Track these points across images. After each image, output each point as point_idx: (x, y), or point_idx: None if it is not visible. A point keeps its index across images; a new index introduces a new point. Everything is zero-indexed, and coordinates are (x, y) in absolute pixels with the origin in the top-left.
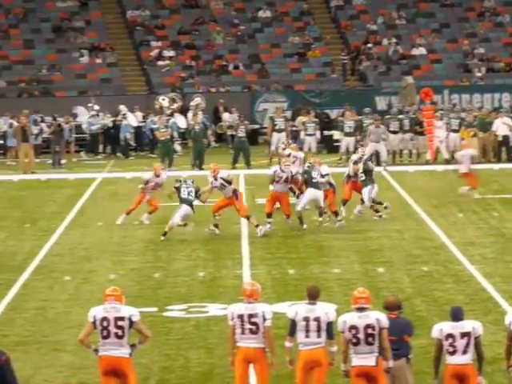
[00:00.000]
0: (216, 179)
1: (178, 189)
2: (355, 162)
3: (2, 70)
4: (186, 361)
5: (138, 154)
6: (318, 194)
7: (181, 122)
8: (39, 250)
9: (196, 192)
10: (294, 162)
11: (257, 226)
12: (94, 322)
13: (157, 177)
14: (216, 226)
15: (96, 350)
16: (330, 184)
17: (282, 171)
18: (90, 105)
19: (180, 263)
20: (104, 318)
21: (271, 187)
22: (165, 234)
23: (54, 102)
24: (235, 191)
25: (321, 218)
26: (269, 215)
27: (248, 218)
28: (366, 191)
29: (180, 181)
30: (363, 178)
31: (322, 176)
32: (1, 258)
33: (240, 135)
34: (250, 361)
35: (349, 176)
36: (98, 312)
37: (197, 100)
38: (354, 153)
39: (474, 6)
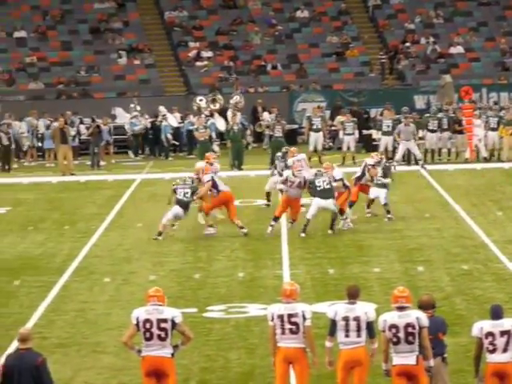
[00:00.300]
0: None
1: (174, 190)
2: (373, 166)
3: (40, 72)
4: (226, 361)
5: (176, 155)
6: (325, 203)
7: (220, 123)
8: (78, 251)
9: (192, 193)
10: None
11: (241, 227)
12: (137, 324)
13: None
14: (211, 225)
15: (139, 351)
16: (345, 186)
17: (295, 176)
18: (132, 105)
19: (220, 264)
20: (147, 320)
21: (281, 186)
22: (160, 233)
23: (93, 104)
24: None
25: (339, 226)
26: (276, 219)
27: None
28: (382, 192)
29: (177, 182)
30: (381, 181)
31: (336, 180)
32: (40, 260)
33: (277, 135)
34: (290, 361)
35: (358, 178)
36: (140, 314)
37: (236, 98)
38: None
39: (511, 5)
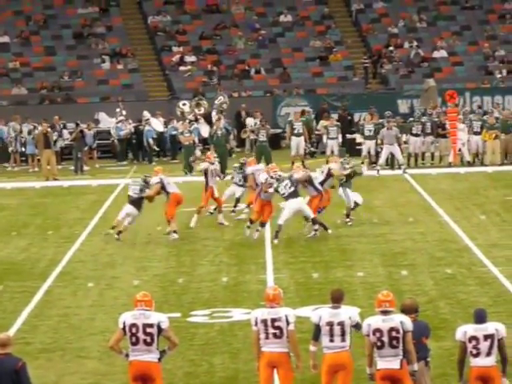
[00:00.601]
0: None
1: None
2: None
3: (23, 77)
4: (211, 366)
5: (160, 160)
6: (296, 204)
7: (204, 129)
8: (62, 256)
9: (141, 190)
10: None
11: (171, 232)
12: (123, 329)
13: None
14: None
15: (127, 355)
16: (317, 190)
17: (272, 178)
18: (117, 110)
19: (203, 268)
20: (133, 325)
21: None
22: (119, 233)
23: (76, 109)
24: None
25: (314, 227)
26: (252, 221)
27: (169, 221)
28: (348, 193)
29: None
30: (344, 180)
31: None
32: (24, 265)
33: (261, 139)
34: (274, 365)
35: (321, 183)
36: (127, 318)
37: (220, 98)
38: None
39: (494, 9)
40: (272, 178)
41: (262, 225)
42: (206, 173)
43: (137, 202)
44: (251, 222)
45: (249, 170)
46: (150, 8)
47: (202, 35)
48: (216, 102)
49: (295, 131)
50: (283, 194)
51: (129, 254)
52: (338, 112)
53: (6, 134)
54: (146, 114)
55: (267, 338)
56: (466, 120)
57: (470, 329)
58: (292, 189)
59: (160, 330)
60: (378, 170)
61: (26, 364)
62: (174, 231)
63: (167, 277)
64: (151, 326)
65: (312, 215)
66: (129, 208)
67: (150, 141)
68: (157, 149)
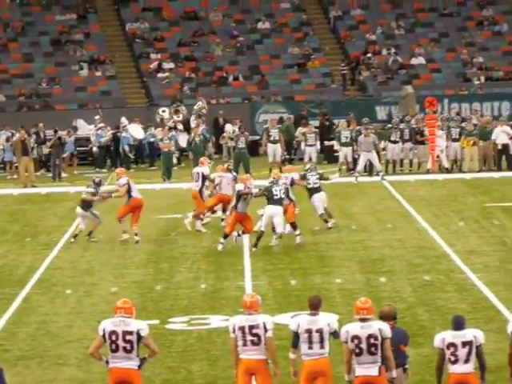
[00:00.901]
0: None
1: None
2: (300, 179)
3: (1, 84)
4: (189, 373)
5: (138, 167)
6: (276, 211)
7: (181, 138)
8: (40, 263)
9: (93, 194)
10: (220, 183)
11: (135, 234)
12: (103, 336)
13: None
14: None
15: (107, 362)
16: (290, 199)
17: (248, 188)
18: (97, 117)
19: (182, 275)
20: (113, 332)
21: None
22: (75, 236)
23: (54, 116)
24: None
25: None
26: (226, 235)
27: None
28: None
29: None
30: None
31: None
32: (2, 272)
33: (240, 146)
34: (252, 372)
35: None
36: (107, 325)
37: (199, 104)
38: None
39: (472, 15)
40: (247, 187)
41: (225, 237)
42: (203, 179)
43: (86, 203)
44: (225, 236)
45: (212, 175)
46: (128, 15)
47: (180, 42)
48: (195, 107)
49: (271, 138)
50: (275, 195)
51: (107, 261)
52: (317, 118)
53: None
54: (124, 120)
55: (245, 345)
56: (444, 127)
57: (449, 335)
58: (283, 195)
59: (140, 337)
60: (357, 177)
61: (3, 371)
62: (124, 231)
63: (145, 284)
64: (131, 333)
65: (281, 230)
66: (80, 211)
67: (126, 148)
68: (132, 156)
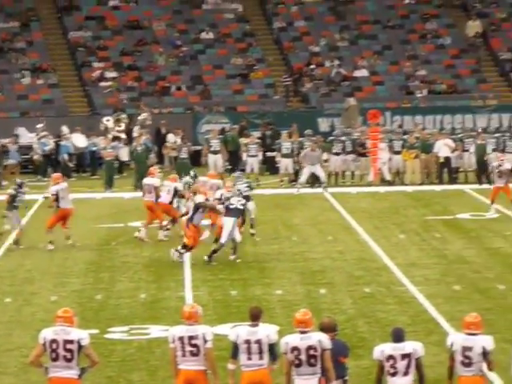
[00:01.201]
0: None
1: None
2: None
3: None
4: (128, 383)
5: (79, 176)
6: (231, 222)
7: (123, 152)
8: None
9: (13, 196)
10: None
11: (50, 242)
12: (44, 344)
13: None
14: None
15: (47, 369)
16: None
17: (208, 200)
18: (39, 126)
19: (122, 285)
20: (53, 341)
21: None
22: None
23: None
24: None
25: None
26: (190, 248)
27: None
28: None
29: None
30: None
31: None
32: None
33: (182, 156)
34: (191, 383)
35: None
36: (47, 334)
37: (144, 115)
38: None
39: (415, 29)
40: (207, 199)
41: (185, 247)
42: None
43: (14, 207)
44: (186, 248)
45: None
46: (70, 23)
47: (123, 51)
48: (139, 118)
49: (212, 149)
50: (231, 204)
51: (47, 270)
52: (259, 130)
53: None
54: (65, 129)
55: (184, 355)
56: (386, 139)
57: (388, 348)
58: (241, 207)
59: (80, 346)
60: (298, 189)
61: None
62: (50, 242)
63: (85, 293)
64: (71, 342)
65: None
66: (9, 214)
67: (65, 156)
68: (71, 165)
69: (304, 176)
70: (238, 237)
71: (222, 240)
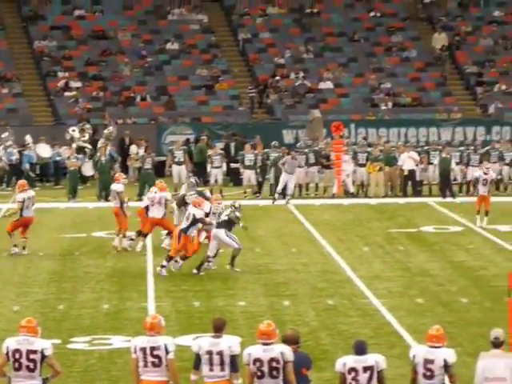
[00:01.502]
0: None
1: None
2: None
3: None
4: None
5: (43, 185)
6: (219, 234)
7: (87, 167)
8: None
9: None
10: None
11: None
12: (7, 354)
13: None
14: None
15: (10, 380)
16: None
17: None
18: (5, 135)
19: (84, 295)
20: (16, 350)
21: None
22: None
23: None
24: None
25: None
26: (185, 257)
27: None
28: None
29: None
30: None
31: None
32: None
33: (146, 167)
34: None
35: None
36: (11, 343)
37: (110, 128)
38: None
39: (381, 41)
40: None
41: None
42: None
43: None
44: (173, 258)
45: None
46: (36, 33)
47: (88, 61)
48: (105, 131)
49: (176, 159)
50: (220, 218)
51: (9, 279)
52: (223, 141)
53: None
54: (28, 138)
55: (146, 366)
56: (350, 151)
57: (350, 360)
58: (226, 218)
59: (43, 356)
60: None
61: None
62: (15, 245)
63: (48, 303)
64: (35, 352)
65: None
66: None
67: (27, 166)
68: (33, 175)
69: (280, 184)
70: (236, 245)
71: (210, 253)
